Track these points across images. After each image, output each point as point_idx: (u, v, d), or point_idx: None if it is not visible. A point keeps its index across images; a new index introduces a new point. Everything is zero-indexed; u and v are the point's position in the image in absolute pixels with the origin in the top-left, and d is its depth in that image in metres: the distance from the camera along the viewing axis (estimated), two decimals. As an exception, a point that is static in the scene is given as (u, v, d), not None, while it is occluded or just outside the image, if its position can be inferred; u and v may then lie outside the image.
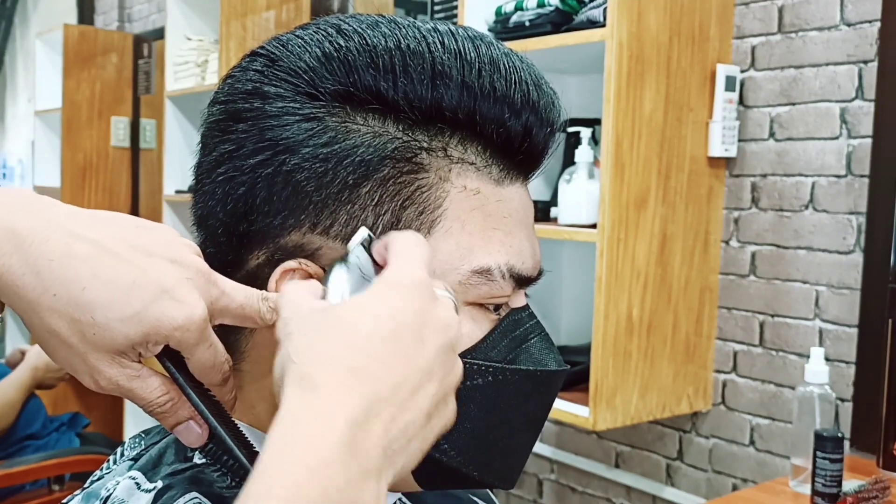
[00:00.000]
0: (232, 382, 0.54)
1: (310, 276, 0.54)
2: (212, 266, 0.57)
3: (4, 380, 2.22)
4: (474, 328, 0.56)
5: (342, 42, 0.54)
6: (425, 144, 0.54)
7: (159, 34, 3.72)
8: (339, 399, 0.42)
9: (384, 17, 0.56)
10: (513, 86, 0.55)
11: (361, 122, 0.54)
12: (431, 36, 0.55)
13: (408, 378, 0.45)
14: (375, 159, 0.53)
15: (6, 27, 5.63)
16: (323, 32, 0.55)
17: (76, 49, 4.08)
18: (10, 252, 0.45)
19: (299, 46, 0.55)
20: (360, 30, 0.55)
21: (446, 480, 0.58)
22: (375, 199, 0.54)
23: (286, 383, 0.43)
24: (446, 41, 0.54)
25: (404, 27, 0.55)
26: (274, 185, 0.53)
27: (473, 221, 0.55)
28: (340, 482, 0.40)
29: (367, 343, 0.44)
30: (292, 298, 0.48)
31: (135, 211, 4.24)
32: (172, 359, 0.50)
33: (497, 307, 0.58)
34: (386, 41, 0.54)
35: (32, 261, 0.46)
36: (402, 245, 0.49)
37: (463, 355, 0.55)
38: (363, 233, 0.51)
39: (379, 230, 0.54)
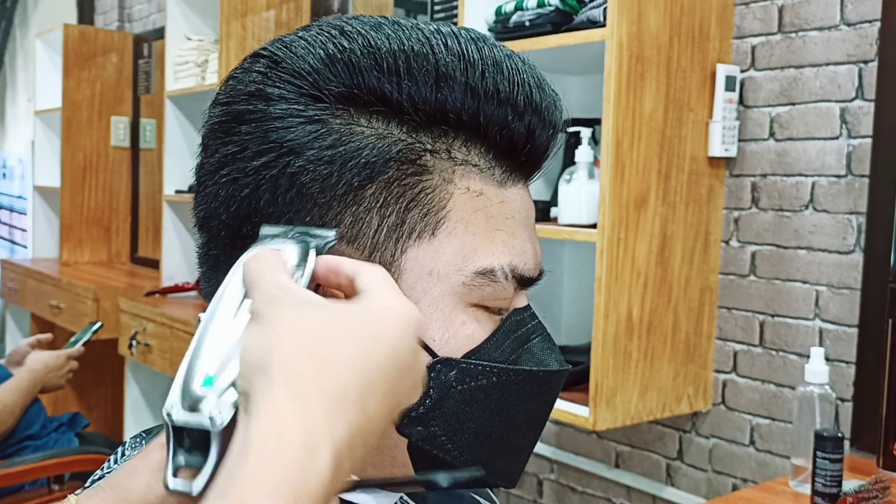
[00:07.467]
0: None
1: None
2: (215, 268, 0.57)
3: (3, 385, 2.21)
4: (478, 329, 0.56)
5: (346, 44, 0.54)
6: (429, 146, 0.55)
7: (159, 34, 3.72)
8: (330, 421, 0.39)
9: (387, 18, 0.56)
10: (516, 87, 0.55)
11: (365, 125, 0.54)
12: (435, 38, 0.55)
13: (387, 410, 0.43)
14: (380, 161, 0.53)
15: (6, 27, 5.63)
16: (326, 34, 0.55)
17: (76, 49, 4.08)
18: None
19: (302, 48, 0.55)
20: (363, 31, 0.55)
21: None
22: (380, 201, 0.54)
23: (274, 379, 0.40)
24: (449, 43, 0.54)
25: (407, 29, 0.55)
26: (278, 187, 0.53)
27: (477, 223, 0.55)
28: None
29: (375, 373, 0.42)
30: (263, 271, 0.46)
31: (135, 211, 4.24)
32: None
33: (500, 308, 0.58)
34: (390, 43, 0.54)
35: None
36: (385, 277, 0.47)
37: (467, 356, 0.55)
38: (329, 235, 0.50)
39: (384, 232, 0.54)
